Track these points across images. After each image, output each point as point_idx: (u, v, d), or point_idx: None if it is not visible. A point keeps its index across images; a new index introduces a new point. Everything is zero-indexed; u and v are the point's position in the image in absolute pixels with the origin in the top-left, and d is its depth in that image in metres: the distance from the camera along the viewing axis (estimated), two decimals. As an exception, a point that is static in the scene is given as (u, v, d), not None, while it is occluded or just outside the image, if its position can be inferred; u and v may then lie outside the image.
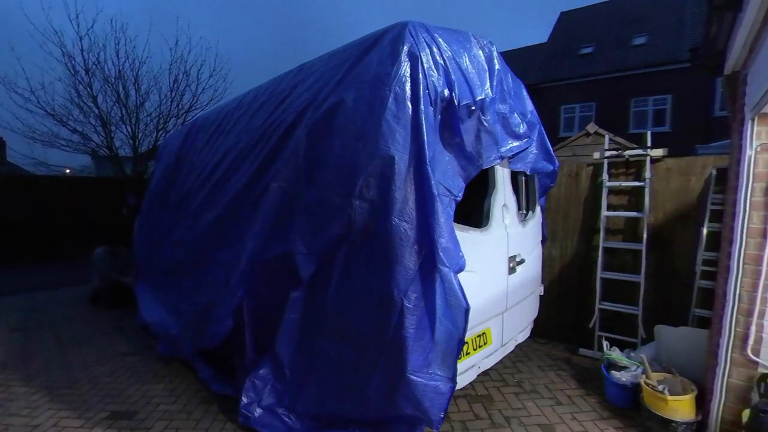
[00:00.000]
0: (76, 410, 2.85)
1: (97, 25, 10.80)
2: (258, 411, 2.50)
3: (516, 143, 2.71)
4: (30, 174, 13.55)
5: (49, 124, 10.75)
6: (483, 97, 2.38)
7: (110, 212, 8.57)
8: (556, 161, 3.42)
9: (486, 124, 2.41)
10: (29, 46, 10.62)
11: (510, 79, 2.82)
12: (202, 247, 3.35)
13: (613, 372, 2.86)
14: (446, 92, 2.19)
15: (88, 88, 10.78)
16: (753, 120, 2.14)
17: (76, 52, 10.49)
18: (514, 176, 3.09)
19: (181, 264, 3.70)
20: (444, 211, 2.08)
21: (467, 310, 2.09)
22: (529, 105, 3.07)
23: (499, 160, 2.56)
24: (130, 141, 11.65)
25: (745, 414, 2.07)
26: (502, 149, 2.57)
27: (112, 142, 11.45)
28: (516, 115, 2.77)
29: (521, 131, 2.78)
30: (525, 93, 3.06)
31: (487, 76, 2.52)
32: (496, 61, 2.66)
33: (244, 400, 2.52)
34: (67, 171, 17.26)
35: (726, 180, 2.73)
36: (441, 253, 2.03)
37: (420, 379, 2.04)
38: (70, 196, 9.71)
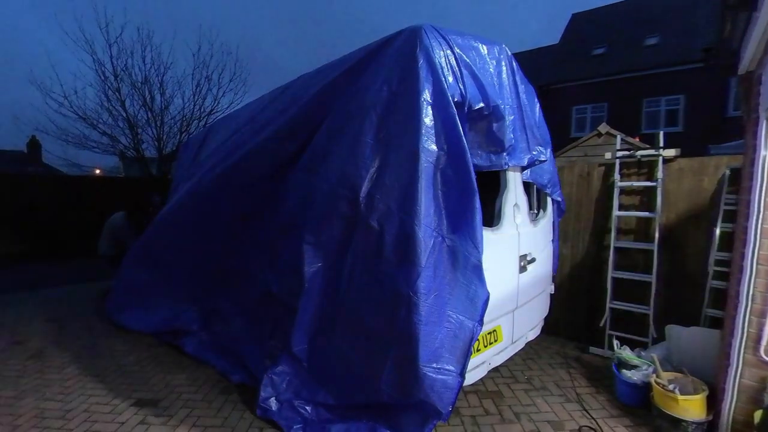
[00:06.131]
0: (106, 397, 3.03)
1: (125, 32, 11.31)
2: (276, 404, 2.62)
3: (528, 155, 2.72)
4: (63, 174, 14.21)
5: (80, 127, 11.34)
6: (496, 103, 2.39)
7: (138, 211, 8.92)
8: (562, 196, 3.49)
9: (496, 130, 2.44)
10: (63, 54, 11.19)
11: (524, 89, 2.81)
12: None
13: (623, 371, 2.87)
14: (459, 95, 2.23)
15: (117, 93, 11.29)
16: (767, 120, 2.14)
17: (106, 59, 11.01)
18: None
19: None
20: (454, 205, 2.14)
21: (487, 299, 2.15)
22: (540, 116, 3.06)
23: (506, 167, 2.58)
24: (156, 143, 12.13)
25: (757, 415, 2.06)
26: (512, 157, 2.58)
27: (139, 143, 11.96)
28: (527, 125, 2.77)
29: (533, 141, 2.79)
30: (537, 105, 3.04)
31: (501, 82, 2.54)
32: (511, 67, 2.66)
33: (263, 394, 2.63)
34: (98, 171, 18.02)
35: (739, 180, 2.71)
36: (461, 248, 2.10)
37: (429, 374, 2.08)
38: (100, 195, 10.14)
